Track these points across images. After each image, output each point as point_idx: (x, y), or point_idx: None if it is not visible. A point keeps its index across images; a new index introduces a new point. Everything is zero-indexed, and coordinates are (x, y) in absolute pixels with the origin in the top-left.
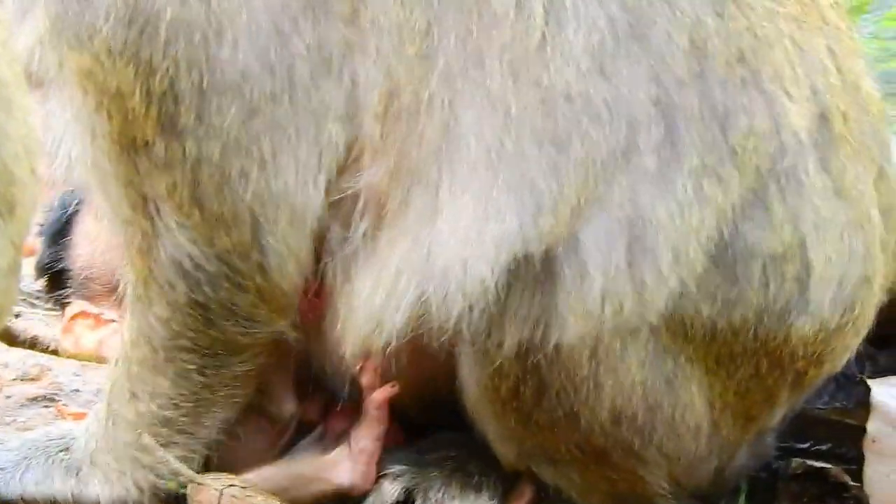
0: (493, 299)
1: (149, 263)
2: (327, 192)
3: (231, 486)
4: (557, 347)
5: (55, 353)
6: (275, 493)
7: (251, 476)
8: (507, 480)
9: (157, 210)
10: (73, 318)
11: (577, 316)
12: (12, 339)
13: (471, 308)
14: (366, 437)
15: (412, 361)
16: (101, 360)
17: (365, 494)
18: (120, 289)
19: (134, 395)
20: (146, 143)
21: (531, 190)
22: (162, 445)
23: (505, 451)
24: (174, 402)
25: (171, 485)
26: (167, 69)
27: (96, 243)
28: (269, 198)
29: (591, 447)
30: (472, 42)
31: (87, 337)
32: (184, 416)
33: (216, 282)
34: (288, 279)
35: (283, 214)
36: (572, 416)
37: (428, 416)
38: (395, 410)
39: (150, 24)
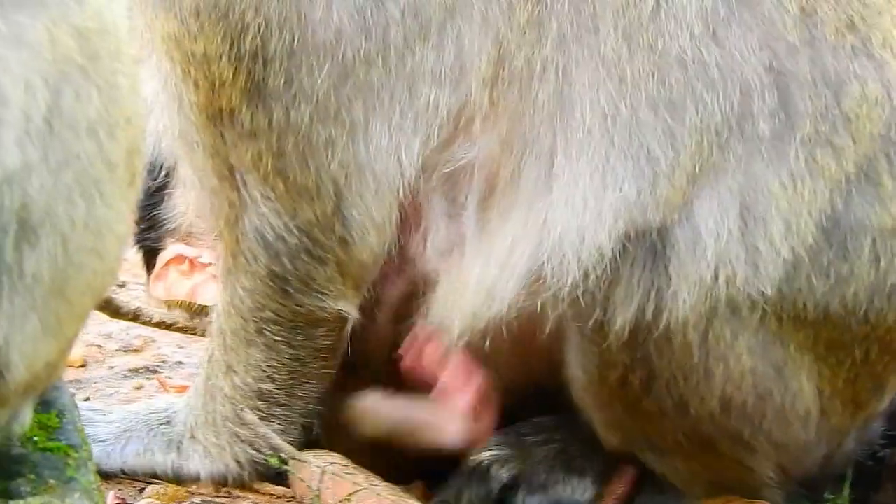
0: (609, 267)
1: (236, 234)
2: (428, 163)
3: (333, 463)
4: (668, 332)
5: (159, 325)
6: (379, 428)
7: (368, 400)
8: (609, 462)
9: (244, 181)
10: (167, 263)
11: (689, 284)
12: (116, 311)
13: (586, 275)
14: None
15: (516, 346)
16: (191, 307)
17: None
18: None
19: (230, 368)
20: (232, 111)
21: (648, 157)
22: (260, 419)
23: (609, 437)
24: (268, 374)
25: (273, 461)
26: (258, 28)
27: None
28: (355, 167)
29: (699, 436)
30: (586, 7)
31: (180, 284)
32: (279, 388)
33: (295, 254)
34: (368, 252)
35: (369, 185)
36: (681, 405)
37: (525, 402)
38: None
39: None
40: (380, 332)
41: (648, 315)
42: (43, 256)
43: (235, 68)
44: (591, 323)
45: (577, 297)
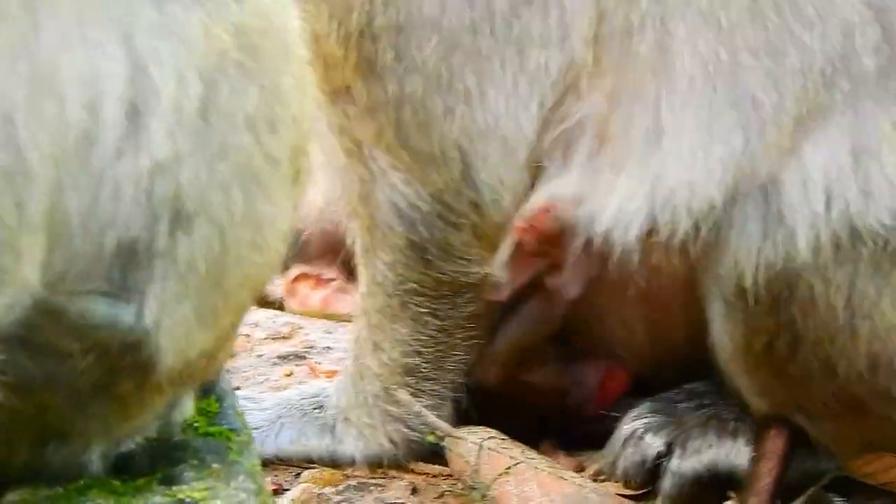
0: (721, 217)
1: (370, 210)
2: (545, 123)
3: (489, 437)
4: (812, 294)
5: (305, 312)
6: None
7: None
8: (762, 424)
9: (371, 155)
10: (295, 280)
11: (803, 219)
12: (263, 300)
13: (697, 227)
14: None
15: (653, 309)
16: (329, 316)
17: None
18: (344, 246)
19: (377, 346)
20: (348, 88)
21: (752, 103)
22: (412, 396)
23: (757, 403)
24: (414, 348)
25: (431, 438)
26: (363, 6)
27: (313, 208)
28: (477, 132)
29: (848, 397)
30: None
31: (311, 296)
32: (426, 362)
33: (431, 221)
34: (504, 214)
35: (494, 148)
36: (828, 367)
37: (675, 369)
38: (629, 357)
39: None
40: None
41: (773, 257)
42: (197, 245)
43: (345, 46)
44: (726, 281)
45: (689, 249)
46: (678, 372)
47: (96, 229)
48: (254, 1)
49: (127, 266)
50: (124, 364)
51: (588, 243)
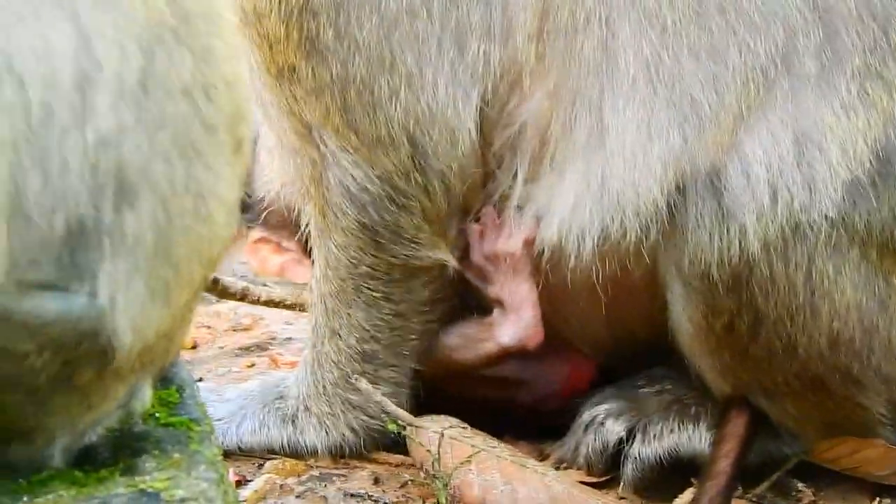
0: (667, 217)
1: (322, 191)
2: (491, 123)
3: (450, 427)
4: (772, 274)
5: (266, 303)
6: (446, 352)
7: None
8: (724, 408)
9: (321, 136)
10: (257, 241)
11: (749, 213)
12: (223, 292)
13: (647, 228)
14: (518, 285)
15: (613, 302)
16: (284, 280)
17: (536, 349)
18: (300, 222)
19: (334, 332)
20: (293, 68)
21: (691, 103)
22: (370, 384)
23: (719, 384)
24: (371, 334)
25: (392, 426)
26: None
27: (275, 176)
28: (423, 117)
29: (809, 376)
30: None
31: (271, 259)
32: (384, 347)
33: (380, 204)
34: (454, 201)
35: (440, 134)
36: (789, 346)
37: (635, 356)
38: (591, 352)
39: None
40: None
41: (728, 248)
42: (144, 217)
43: (286, 24)
44: (684, 270)
45: (642, 248)
46: (641, 360)
47: (47, 211)
48: None
49: (76, 248)
50: (81, 354)
51: (539, 254)
